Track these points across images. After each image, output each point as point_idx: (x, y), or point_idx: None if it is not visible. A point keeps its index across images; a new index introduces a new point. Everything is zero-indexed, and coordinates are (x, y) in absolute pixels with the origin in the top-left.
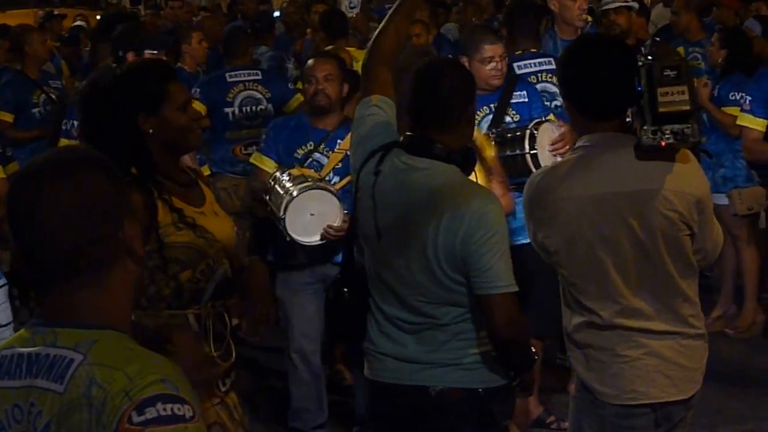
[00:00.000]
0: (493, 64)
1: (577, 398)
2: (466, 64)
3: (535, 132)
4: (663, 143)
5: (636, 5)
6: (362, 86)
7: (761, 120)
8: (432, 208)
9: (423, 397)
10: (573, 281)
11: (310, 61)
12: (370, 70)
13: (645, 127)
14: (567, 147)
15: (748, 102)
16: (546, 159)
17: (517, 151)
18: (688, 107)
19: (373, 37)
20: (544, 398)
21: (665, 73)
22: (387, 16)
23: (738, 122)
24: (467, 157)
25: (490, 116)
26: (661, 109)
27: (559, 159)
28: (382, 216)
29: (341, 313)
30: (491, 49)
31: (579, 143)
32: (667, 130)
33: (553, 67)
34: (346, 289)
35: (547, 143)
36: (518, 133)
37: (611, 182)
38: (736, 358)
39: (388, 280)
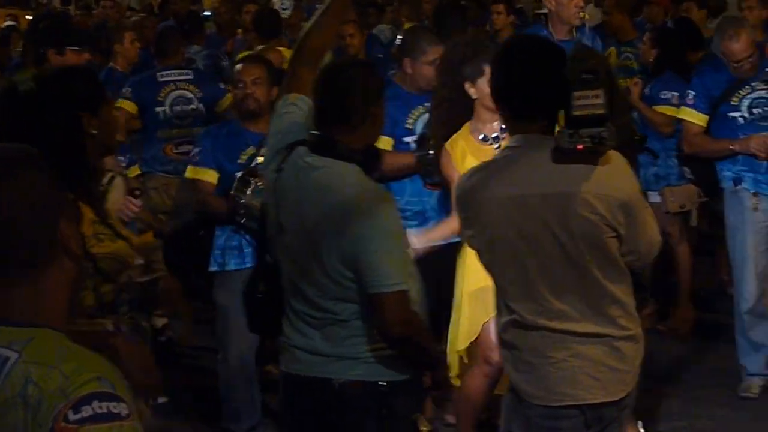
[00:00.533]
0: (436, 65)
1: (507, 398)
2: (409, 66)
3: None
4: (580, 146)
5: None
6: (285, 84)
7: (703, 115)
8: (326, 207)
9: (327, 389)
10: (497, 281)
11: (239, 66)
12: (294, 68)
13: (562, 130)
14: None
15: (691, 96)
16: None
17: None
18: (602, 111)
19: (300, 36)
20: None
21: (582, 77)
22: (315, 16)
23: (680, 116)
24: (370, 157)
25: (428, 115)
26: (575, 113)
27: None
28: (283, 213)
29: (257, 308)
30: (435, 51)
31: (506, 144)
32: (583, 133)
33: None
34: (261, 285)
35: None
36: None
37: (532, 184)
38: (668, 355)
39: (293, 277)
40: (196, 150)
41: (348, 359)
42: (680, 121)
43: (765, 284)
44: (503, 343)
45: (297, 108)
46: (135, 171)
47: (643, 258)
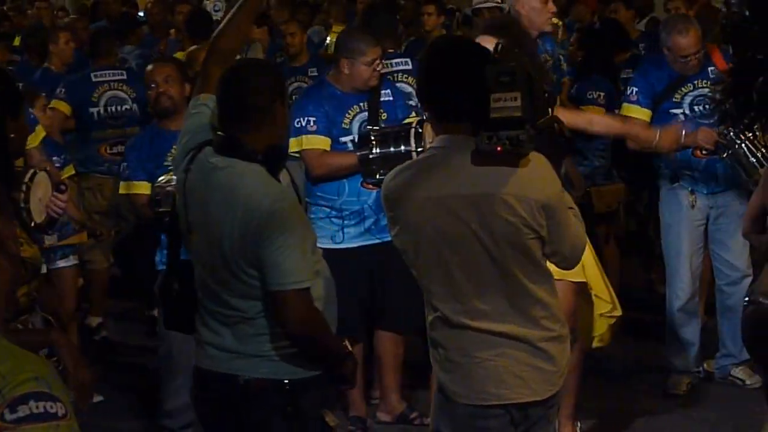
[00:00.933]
0: (374, 66)
1: (435, 397)
2: (346, 66)
3: (420, 129)
4: (498, 148)
5: (506, 6)
6: (197, 84)
7: (646, 110)
8: (228, 206)
9: (233, 385)
10: (422, 280)
11: (149, 67)
12: (207, 68)
13: (481, 132)
14: None
15: (634, 92)
16: None
17: (402, 148)
18: (519, 114)
19: (213, 36)
20: (407, 394)
21: (500, 79)
22: (227, 16)
23: (623, 113)
24: (273, 156)
25: (363, 114)
26: (492, 115)
27: None
28: (191, 213)
29: (172, 305)
30: (374, 51)
31: (431, 145)
32: (502, 135)
33: (410, 67)
34: (175, 283)
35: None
36: (402, 132)
37: (454, 185)
38: (596, 352)
39: (202, 275)
40: (124, 165)
41: (254, 357)
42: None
43: (697, 283)
44: (431, 341)
45: (207, 108)
46: (70, 171)
47: (567, 259)
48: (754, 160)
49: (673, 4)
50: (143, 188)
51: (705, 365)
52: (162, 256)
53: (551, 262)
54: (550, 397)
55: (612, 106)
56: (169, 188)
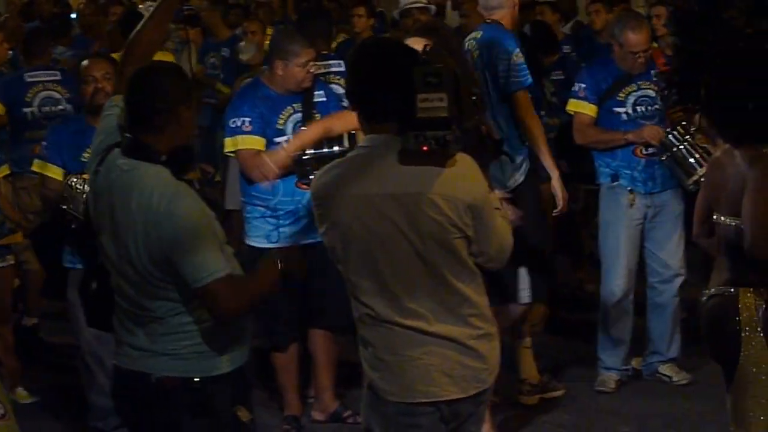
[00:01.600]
0: (308, 68)
1: (365, 395)
2: (280, 68)
3: (353, 131)
4: (424, 148)
5: (433, 8)
6: (116, 84)
7: (593, 106)
8: (131, 210)
9: (146, 383)
10: (351, 277)
11: (85, 62)
12: (124, 69)
13: (408, 132)
14: None
15: (581, 88)
16: None
17: (336, 149)
18: (445, 114)
19: (130, 37)
20: (341, 392)
21: (427, 80)
22: (144, 18)
23: (570, 108)
24: (178, 158)
25: (297, 115)
26: (419, 115)
27: None
28: (99, 214)
29: (91, 304)
30: (307, 53)
31: (360, 143)
32: (428, 135)
33: (343, 69)
34: (93, 283)
35: None
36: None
37: (381, 184)
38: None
39: (114, 275)
40: (44, 144)
41: (164, 355)
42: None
43: (632, 281)
44: (360, 339)
45: (120, 110)
46: (4, 171)
47: (493, 259)
48: (693, 161)
49: (593, 7)
50: (56, 173)
51: (633, 363)
52: (68, 254)
53: (477, 262)
54: (480, 393)
55: (538, 108)
56: (78, 193)
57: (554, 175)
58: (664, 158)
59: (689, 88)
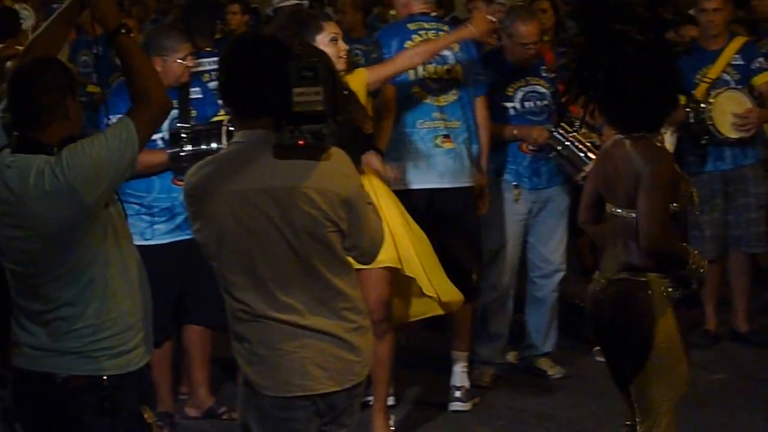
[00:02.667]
0: (185, 63)
1: (241, 391)
2: (159, 64)
3: (231, 127)
4: (300, 142)
5: (306, 4)
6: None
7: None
8: (22, 201)
9: (51, 384)
10: (224, 273)
11: None
12: None
13: (284, 126)
14: None
15: None
16: None
17: (214, 145)
18: (321, 108)
19: (27, 45)
20: (215, 389)
21: (302, 74)
22: (48, 20)
23: None
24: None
25: (173, 111)
26: (295, 109)
27: None
28: None
29: None
30: (185, 48)
31: (233, 139)
32: (304, 129)
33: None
34: None
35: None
36: (213, 129)
37: (256, 179)
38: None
39: (16, 274)
40: None
41: (70, 354)
42: None
43: (514, 276)
44: (234, 335)
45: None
46: None
47: (366, 254)
48: (582, 155)
49: (473, 4)
50: None
51: (509, 356)
52: None
53: (350, 256)
54: (354, 386)
55: None
56: None
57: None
58: (552, 155)
59: (586, 77)
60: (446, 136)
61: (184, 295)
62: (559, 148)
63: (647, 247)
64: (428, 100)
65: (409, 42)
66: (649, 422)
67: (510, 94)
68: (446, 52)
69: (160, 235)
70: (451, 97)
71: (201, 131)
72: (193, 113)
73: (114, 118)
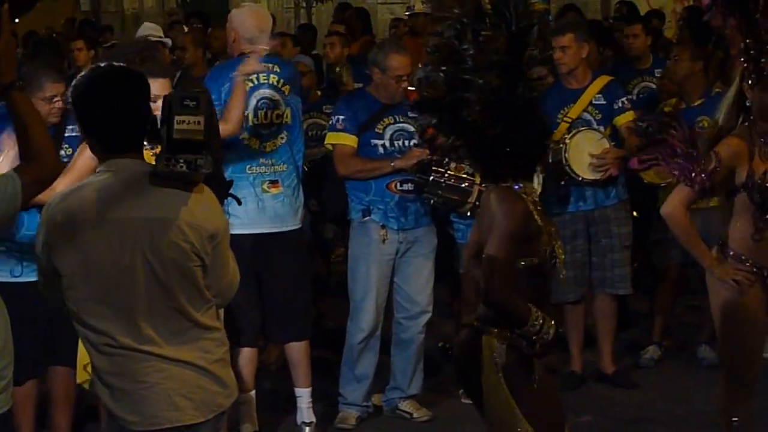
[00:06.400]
0: (53, 103)
1: (105, 426)
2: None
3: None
4: (176, 170)
5: (169, 41)
6: None
7: (354, 136)
8: None
9: None
10: (85, 304)
11: None
12: None
13: (160, 155)
14: None
15: (340, 120)
16: None
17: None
18: (201, 137)
19: None
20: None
21: (185, 102)
22: None
23: (330, 141)
24: None
25: None
26: (175, 136)
27: None
28: None
29: None
30: (53, 88)
31: (101, 168)
32: (180, 158)
33: None
34: None
35: None
36: None
37: (125, 208)
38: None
39: None
40: None
41: None
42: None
43: (381, 317)
44: (96, 370)
45: None
46: None
47: (222, 294)
48: (465, 185)
49: (329, 39)
50: None
51: (374, 399)
52: None
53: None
54: (219, 415)
55: None
56: None
57: None
58: (433, 202)
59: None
60: (273, 182)
61: (53, 334)
62: (440, 191)
63: (482, 298)
64: (255, 147)
65: None
66: None
67: (380, 131)
68: (277, 96)
69: (30, 272)
70: (279, 141)
71: None
72: (69, 151)
73: None
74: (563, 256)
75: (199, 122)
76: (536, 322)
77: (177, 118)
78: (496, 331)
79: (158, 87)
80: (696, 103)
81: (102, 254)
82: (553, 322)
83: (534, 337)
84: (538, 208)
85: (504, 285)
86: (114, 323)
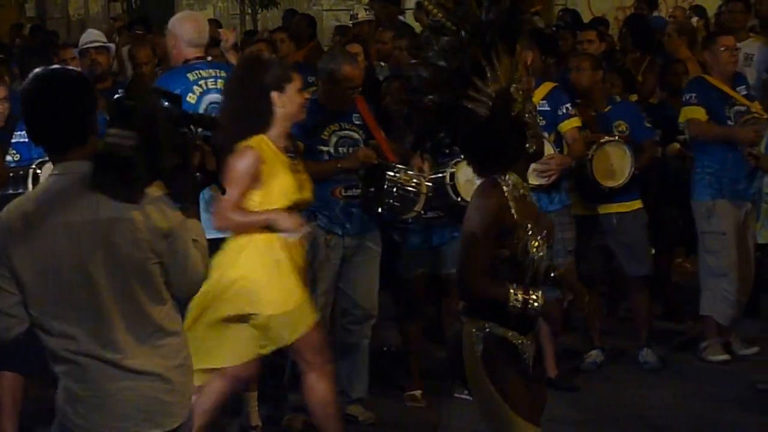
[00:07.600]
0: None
1: None
2: None
3: (39, 171)
4: (110, 181)
5: (113, 46)
6: None
7: (300, 143)
8: None
9: None
10: (44, 311)
11: None
12: None
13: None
14: None
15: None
16: None
17: (20, 190)
18: (130, 153)
19: None
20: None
21: (118, 115)
22: None
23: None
24: None
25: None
26: (104, 149)
27: None
28: None
29: None
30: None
31: (52, 172)
32: (111, 170)
33: None
34: None
35: None
36: (21, 172)
37: (81, 211)
38: None
39: None
40: None
41: None
42: None
43: (326, 323)
44: (54, 375)
45: None
46: None
47: (186, 289)
48: (412, 194)
49: (284, 45)
50: None
51: None
52: None
53: (170, 290)
54: (177, 427)
55: None
56: None
57: None
58: (382, 211)
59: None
60: None
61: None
62: (390, 200)
63: (459, 288)
64: None
65: (190, 95)
66: None
67: (325, 138)
68: None
69: None
70: None
71: (12, 176)
72: (17, 157)
73: None
74: (540, 253)
75: (130, 137)
76: (516, 300)
77: (109, 130)
78: (472, 320)
79: None
80: (606, 109)
81: (57, 258)
82: (540, 293)
83: (524, 311)
84: (526, 201)
85: (475, 274)
86: (79, 327)
